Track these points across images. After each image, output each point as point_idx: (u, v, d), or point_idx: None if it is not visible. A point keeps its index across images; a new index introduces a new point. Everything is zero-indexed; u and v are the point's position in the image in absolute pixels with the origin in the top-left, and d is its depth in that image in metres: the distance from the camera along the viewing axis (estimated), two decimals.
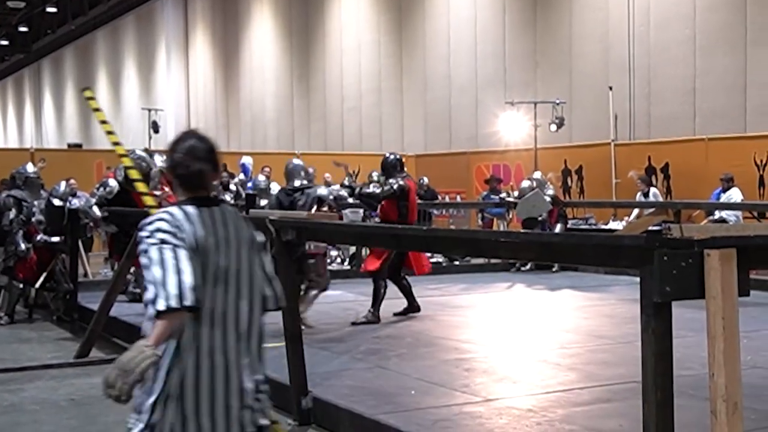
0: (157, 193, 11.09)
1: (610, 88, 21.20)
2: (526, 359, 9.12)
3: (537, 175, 18.28)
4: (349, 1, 32.10)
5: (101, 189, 11.07)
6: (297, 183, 11.56)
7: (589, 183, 21.32)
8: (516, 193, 18.09)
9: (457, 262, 18.85)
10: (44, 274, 12.27)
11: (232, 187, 19.22)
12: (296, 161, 12.11)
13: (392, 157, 12.40)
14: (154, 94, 46.32)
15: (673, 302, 3.72)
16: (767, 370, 8.28)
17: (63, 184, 13.09)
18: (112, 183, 11.02)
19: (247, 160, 20.10)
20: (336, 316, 12.15)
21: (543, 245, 4.80)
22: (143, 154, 11.99)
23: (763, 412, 6.64)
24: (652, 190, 18.07)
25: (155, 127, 30.15)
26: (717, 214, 16.37)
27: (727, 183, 16.62)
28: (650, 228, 15.97)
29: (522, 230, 16.70)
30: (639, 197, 17.62)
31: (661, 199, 17.75)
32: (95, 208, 11.26)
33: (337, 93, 32.90)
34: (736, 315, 3.61)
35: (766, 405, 6.87)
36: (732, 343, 3.59)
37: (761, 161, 17.46)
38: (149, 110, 32.52)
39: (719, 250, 3.61)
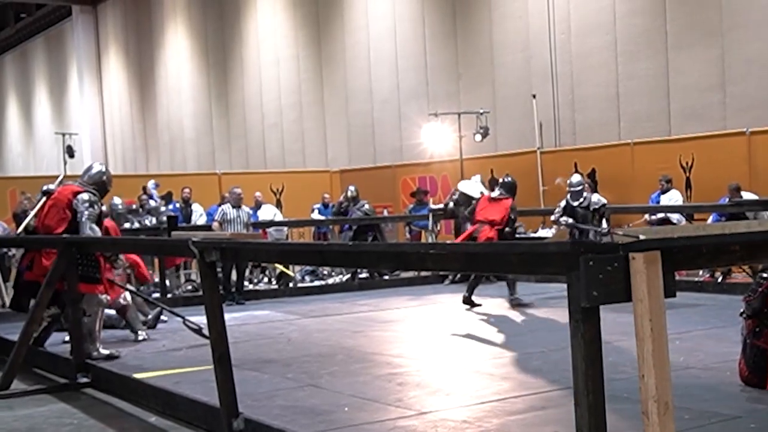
0: None
1: (534, 97, 21.35)
2: (459, 370, 9.08)
3: (476, 178, 18.34)
4: (265, 16, 31.91)
5: (95, 207, 10.48)
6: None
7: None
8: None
9: (386, 277, 18.81)
10: None
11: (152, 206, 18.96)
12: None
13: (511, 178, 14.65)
14: (67, 118, 45.63)
15: (606, 308, 3.71)
16: (700, 370, 8.32)
17: None
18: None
19: (150, 183, 19.74)
20: (265, 336, 12.00)
21: (469, 255, 4.75)
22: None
23: (697, 411, 6.68)
24: (595, 195, 18.20)
25: (70, 151, 29.67)
26: (658, 215, 16.58)
27: (667, 184, 16.84)
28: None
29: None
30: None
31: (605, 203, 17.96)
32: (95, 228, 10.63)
33: (257, 110, 32.65)
34: (664, 316, 3.62)
35: (699, 405, 6.90)
36: (660, 343, 3.59)
37: (687, 163, 17.68)
38: (63, 135, 32.01)
39: (643, 252, 3.62)
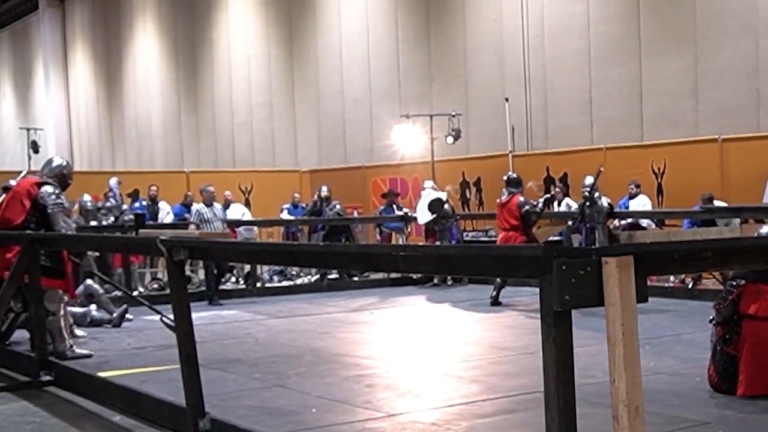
0: None
1: (507, 100, 21.33)
2: (429, 373, 9.04)
3: (428, 184, 18.35)
4: (236, 13, 31.72)
5: (62, 199, 10.35)
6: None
7: (487, 194, 21.33)
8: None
9: (355, 278, 18.75)
10: None
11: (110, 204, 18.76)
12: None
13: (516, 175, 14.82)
14: (32, 113, 45.21)
15: (577, 312, 3.70)
16: (670, 375, 8.33)
17: None
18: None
19: (113, 181, 19.48)
20: (232, 336, 11.90)
21: (441, 258, 4.71)
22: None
23: (667, 416, 6.69)
24: (566, 199, 18.20)
25: (35, 147, 29.40)
26: (628, 220, 16.60)
27: (636, 189, 16.87)
28: (550, 238, 16.15)
29: (422, 243, 16.75)
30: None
31: (574, 208, 17.96)
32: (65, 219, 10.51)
33: (227, 108, 32.45)
34: (635, 321, 3.63)
35: (668, 410, 6.91)
36: (632, 348, 3.60)
37: (659, 169, 17.74)
38: (28, 130, 31.71)
39: (616, 257, 3.63)
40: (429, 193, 17.60)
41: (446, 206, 17.32)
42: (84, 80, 41.78)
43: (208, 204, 16.16)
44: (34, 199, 10.15)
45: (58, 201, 10.14)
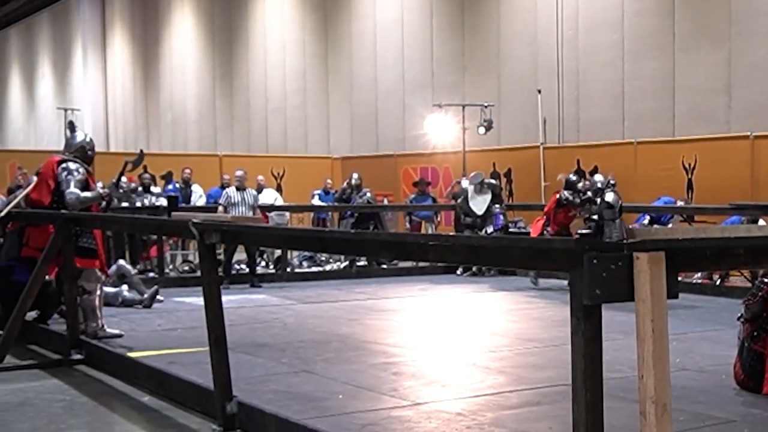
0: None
1: (539, 91, 21.27)
2: (455, 363, 9.04)
3: (464, 183, 18.35)
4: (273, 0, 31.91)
5: (75, 173, 10.41)
6: None
7: (518, 186, 21.36)
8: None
9: (384, 265, 18.79)
10: None
11: (154, 189, 18.95)
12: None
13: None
14: (70, 94, 45.44)
15: (604, 306, 3.70)
16: (696, 372, 8.29)
17: None
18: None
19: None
20: (261, 321, 11.97)
21: (471, 248, 4.72)
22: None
23: (692, 413, 6.65)
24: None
25: (72, 127, 29.60)
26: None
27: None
28: (580, 231, 16.11)
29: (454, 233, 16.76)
30: None
31: None
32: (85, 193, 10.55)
33: (261, 93, 32.58)
34: (665, 317, 3.60)
35: (694, 406, 6.87)
36: (661, 345, 3.58)
37: (690, 165, 17.65)
38: (65, 110, 31.86)
39: (648, 253, 3.61)
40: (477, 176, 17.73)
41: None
42: (121, 62, 42.01)
43: (241, 188, 16.15)
44: (56, 178, 10.23)
45: (69, 176, 10.05)
